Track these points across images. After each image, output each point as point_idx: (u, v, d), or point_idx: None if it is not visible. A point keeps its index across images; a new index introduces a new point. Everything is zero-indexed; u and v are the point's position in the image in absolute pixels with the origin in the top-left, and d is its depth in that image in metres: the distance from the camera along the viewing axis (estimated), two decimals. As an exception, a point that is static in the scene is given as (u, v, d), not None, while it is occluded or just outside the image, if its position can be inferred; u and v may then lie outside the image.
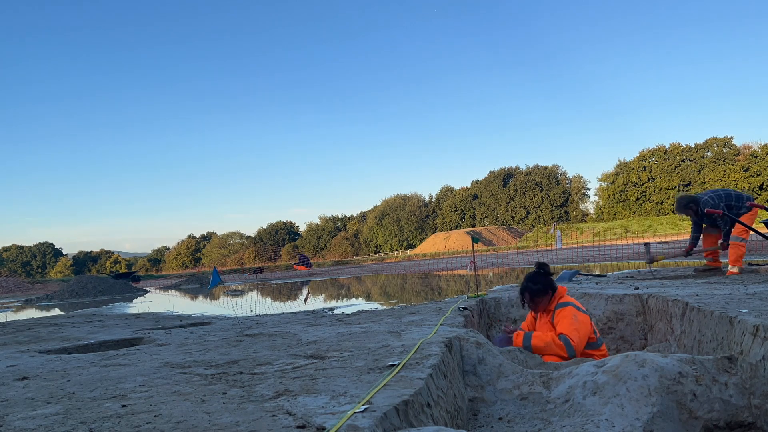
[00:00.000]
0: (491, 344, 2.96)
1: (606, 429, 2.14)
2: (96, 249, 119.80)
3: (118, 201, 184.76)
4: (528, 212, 74.10)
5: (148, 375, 2.52)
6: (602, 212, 67.10)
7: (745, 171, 54.88)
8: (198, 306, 13.07)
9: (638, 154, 64.80)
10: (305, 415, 1.64)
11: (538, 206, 73.15)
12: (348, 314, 5.60)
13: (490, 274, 16.08)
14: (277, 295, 15.78)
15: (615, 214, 63.73)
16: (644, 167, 63.77)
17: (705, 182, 56.43)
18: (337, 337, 3.44)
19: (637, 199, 62.58)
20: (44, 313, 11.44)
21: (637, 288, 5.14)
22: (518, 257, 26.76)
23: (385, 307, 7.92)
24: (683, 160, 61.18)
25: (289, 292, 16.79)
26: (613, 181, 66.11)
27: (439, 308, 4.84)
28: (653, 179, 62.09)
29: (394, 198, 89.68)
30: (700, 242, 6.89)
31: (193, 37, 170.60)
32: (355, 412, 1.61)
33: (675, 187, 59.34)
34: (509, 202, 75.46)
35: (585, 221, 68.12)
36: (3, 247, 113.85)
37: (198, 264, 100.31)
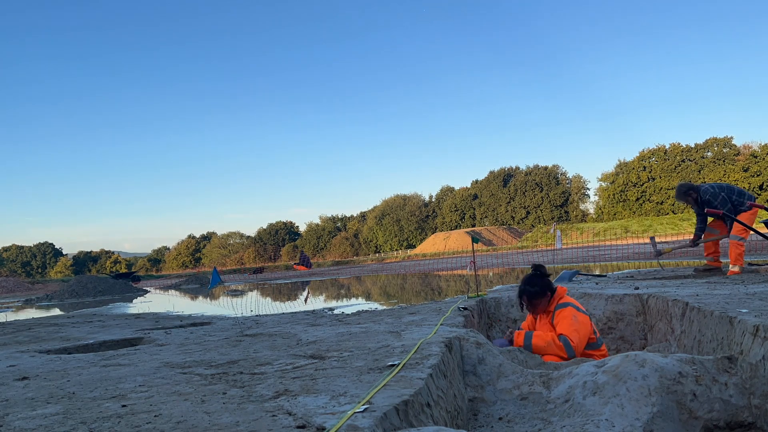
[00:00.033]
0: (491, 344, 2.96)
1: (606, 429, 2.14)
2: (96, 249, 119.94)
3: (118, 201, 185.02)
4: (528, 212, 74.11)
5: (148, 375, 2.52)
6: (602, 212, 67.12)
7: (745, 171, 54.89)
8: (198, 306, 13.07)
9: (638, 154, 64.85)
10: (305, 415, 1.64)
11: (538, 206, 73.15)
12: (348, 314, 5.60)
13: (490, 274, 16.08)
14: (277, 295, 15.78)
15: (615, 214, 63.75)
16: (644, 167, 63.79)
17: (705, 182, 56.45)
18: (337, 337, 3.44)
19: (637, 199, 62.60)
20: (44, 313, 11.44)
21: (637, 288, 5.14)
22: (518, 257, 26.76)
23: (385, 307, 7.92)
24: (683, 160, 61.19)
25: (289, 292, 16.79)
26: (613, 181, 66.12)
27: (439, 308, 4.84)
28: (653, 179, 62.11)
29: (394, 198, 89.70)
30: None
31: (193, 38, 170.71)
32: (355, 412, 1.61)
33: (675, 187, 59.40)
34: (509, 202, 75.46)
35: (585, 221, 68.13)
36: (3, 247, 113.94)
37: (198, 264, 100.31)
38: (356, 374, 2.20)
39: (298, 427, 1.53)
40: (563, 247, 38.68)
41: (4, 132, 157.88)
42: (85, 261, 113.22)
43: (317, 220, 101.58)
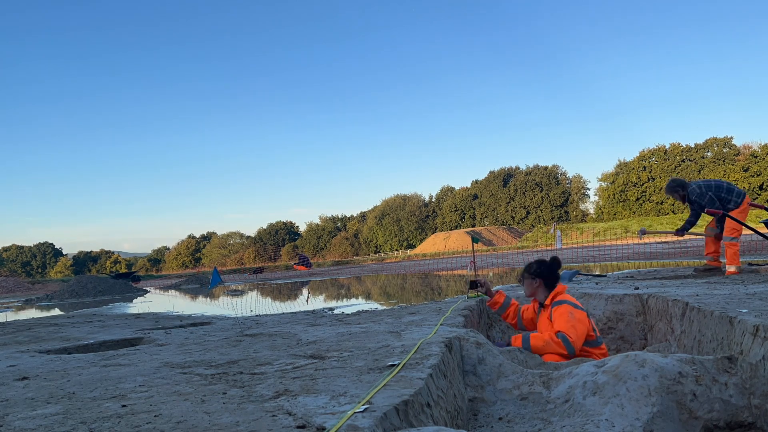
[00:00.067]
0: (491, 344, 2.96)
1: (606, 429, 2.14)
2: (96, 249, 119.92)
3: (118, 201, 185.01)
4: (528, 212, 74.11)
5: (148, 375, 2.52)
6: (602, 212, 67.13)
7: (745, 171, 54.92)
8: (198, 306, 13.07)
9: (638, 154, 64.88)
10: (305, 415, 1.64)
11: (538, 206, 73.16)
12: (348, 314, 5.60)
13: (490, 274, 16.08)
14: (277, 295, 15.78)
15: (615, 214, 63.76)
16: (644, 167, 63.80)
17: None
18: (337, 337, 3.44)
19: (637, 199, 62.61)
20: (44, 313, 11.44)
21: (637, 288, 5.14)
22: (518, 257, 26.74)
23: (385, 307, 7.92)
24: (683, 160, 61.22)
25: (289, 292, 16.79)
26: (613, 181, 66.13)
27: (439, 308, 4.84)
28: (653, 179, 62.12)
29: (394, 198, 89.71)
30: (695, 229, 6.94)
31: (193, 38, 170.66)
32: (355, 412, 1.61)
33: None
34: (509, 202, 75.46)
35: (585, 221, 68.14)
36: (3, 247, 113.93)
37: (198, 264, 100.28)
38: (356, 374, 2.20)
39: (298, 427, 1.53)
40: (563, 247, 38.68)
41: (4, 132, 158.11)
42: (85, 261, 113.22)
43: (317, 220, 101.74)
